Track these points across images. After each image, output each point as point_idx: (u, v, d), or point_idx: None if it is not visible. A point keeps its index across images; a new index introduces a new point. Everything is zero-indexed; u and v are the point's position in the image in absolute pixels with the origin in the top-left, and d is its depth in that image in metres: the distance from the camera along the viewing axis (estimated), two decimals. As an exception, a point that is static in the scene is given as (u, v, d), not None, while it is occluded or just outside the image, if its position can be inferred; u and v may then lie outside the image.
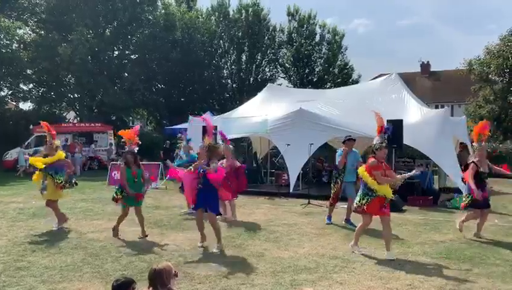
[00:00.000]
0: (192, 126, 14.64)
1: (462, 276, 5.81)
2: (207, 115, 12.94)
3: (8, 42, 25.16)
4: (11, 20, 24.91)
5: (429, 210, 10.95)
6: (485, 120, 8.94)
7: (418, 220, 9.61)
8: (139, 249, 7.08)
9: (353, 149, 9.06)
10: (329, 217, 9.29)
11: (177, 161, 11.04)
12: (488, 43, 25.64)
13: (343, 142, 9.14)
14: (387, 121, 11.85)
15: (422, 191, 12.54)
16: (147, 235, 7.87)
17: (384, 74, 18.99)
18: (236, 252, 6.94)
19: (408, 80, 23.81)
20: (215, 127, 10.68)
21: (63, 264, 6.24)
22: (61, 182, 8.54)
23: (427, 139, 12.15)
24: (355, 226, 8.70)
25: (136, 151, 8.07)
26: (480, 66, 25.47)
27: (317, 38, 34.14)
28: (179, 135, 11.20)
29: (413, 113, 13.72)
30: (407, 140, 11.71)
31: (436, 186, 14.02)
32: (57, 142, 8.85)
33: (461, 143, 13.56)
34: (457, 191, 11.59)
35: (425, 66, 38.95)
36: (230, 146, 9.72)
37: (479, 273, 5.94)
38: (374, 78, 23.76)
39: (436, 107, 23.67)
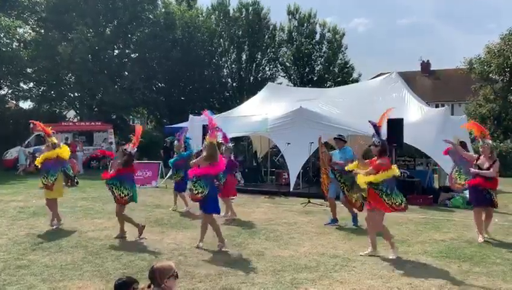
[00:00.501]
0: (193, 125, 14.67)
1: (462, 275, 5.81)
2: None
3: (8, 41, 25.13)
4: (11, 19, 24.87)
5: (429, 209, 10.95)
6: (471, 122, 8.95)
7: (419, 219, 9.61)
8: (140, 248, 7.09)
9: (346, 147, 9.03)
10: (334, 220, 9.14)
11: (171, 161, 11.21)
12: (488, 42, 25.66)
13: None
14: (388, 120, 11.91)
15: (422, 189, 12.55)
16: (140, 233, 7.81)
17: (384, 73, 18.99)
18: (237, 250, 6.94)
19: (408, 79, 23.83)
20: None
21: (64, 263, 6.24)
22: (52, 182, 8.48)
23: (427, 138, 12.17)
24: (357, 226, 8.73)
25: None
26: (481, 65, 25.46)
27: (318, 37, 34.13)
28: (177, 134, 11.29)
29: (414, 112, 13.75)
30: (407, 139, 11.73)
31: (436, 185, 14.02)
32: (53, 139, 8.76)
33: (461, 142, 13.55)
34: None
35: (425, 65, 38.93)
36: (230, 145, 9.71)
37: (479, 272, 5.94)
38: (374, 77, 23.76)
39: (437, 106, 23.68)
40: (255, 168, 17.01)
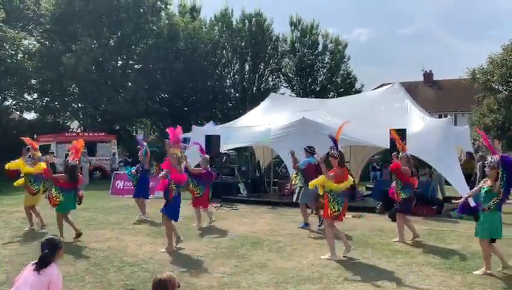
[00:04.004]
0: (196, 136, 14.71)
1: (466, 287, 5.77)
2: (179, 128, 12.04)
3: (13, 52, 25.39)
4: (17, 31, 25.14)
5: (433, 220, 10.89)
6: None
7: (422, 230, 9.52)
8: (142, 259, 7.07)
9: (310, 157, 10.02)
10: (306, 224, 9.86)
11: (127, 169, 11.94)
12: (491, 53, 25.72)
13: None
14: (390, 130, 11.91)
15: (426, 200, 12.47)
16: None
17: (387, 84, 19.04)
18: (239, 262, 6.92)
19: (411, 89, 23.83)
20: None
21: (66, 274, 6.22)
22: (37, 190, 9.52)
23: (430, 148, 12.13)
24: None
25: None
26: (484, 76, 25.48)
27: (320, 47, 34.23)
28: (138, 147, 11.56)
29: (416, 122, 13.72)
30: (410, 149, 11.68)
31: (439, 195, 13.94)
32: (38, 153, 9.92)
33: (467, 152, 13.50)
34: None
35: (428, 75, 38.99)
36: (207, 156, 10.44)
37: (483, 284, 5.90)
38: (377, 88, 23.79)
39: (440, 116, 23.64)
40: (258, 179, 16.99)
